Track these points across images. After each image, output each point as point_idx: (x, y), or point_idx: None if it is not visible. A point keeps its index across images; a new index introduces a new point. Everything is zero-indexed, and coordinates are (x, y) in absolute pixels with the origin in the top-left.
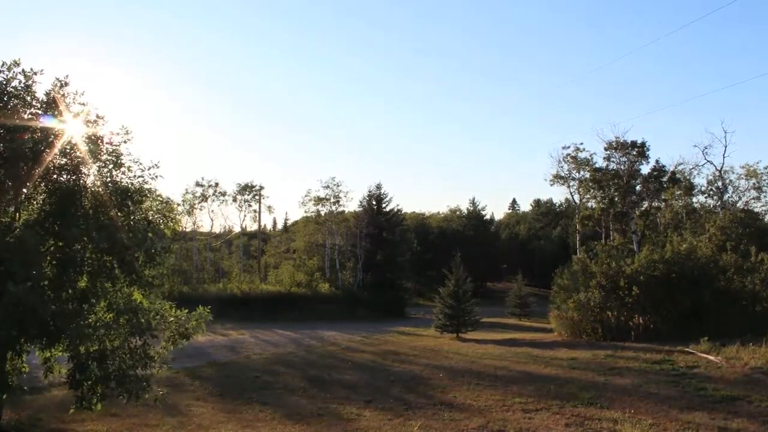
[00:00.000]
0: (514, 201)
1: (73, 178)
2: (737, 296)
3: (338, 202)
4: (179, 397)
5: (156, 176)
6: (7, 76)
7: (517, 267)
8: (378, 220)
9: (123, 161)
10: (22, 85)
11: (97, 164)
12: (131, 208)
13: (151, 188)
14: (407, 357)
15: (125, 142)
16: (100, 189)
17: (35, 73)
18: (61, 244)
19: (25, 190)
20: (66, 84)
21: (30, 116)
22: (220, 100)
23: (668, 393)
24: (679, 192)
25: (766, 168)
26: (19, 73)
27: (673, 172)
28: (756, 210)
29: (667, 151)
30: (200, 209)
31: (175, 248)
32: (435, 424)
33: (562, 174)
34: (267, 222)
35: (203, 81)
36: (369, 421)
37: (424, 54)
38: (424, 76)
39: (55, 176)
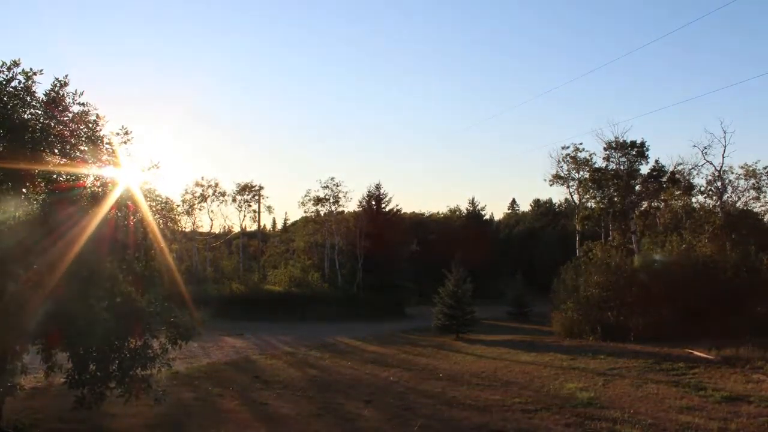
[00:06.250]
0: (513, 201)
1: (73, 178)
2: (737, 296)
3: (338, 202)
4: (179, 396)
5: (156, 176)
6: (7, 76)
7: (516, 267)
8: (377, 219)
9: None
10: (22, 85)
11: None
12: (131, 208)
13: (150, 188)
14: (407, 357)
15: (125, 142)
16: (100, 189)
17: (35, 73)
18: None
19: (24, 190)
20: (66, 84)
21: (30, 116)
22: (219, 99)
23: (668, 393)
24: (678, 192)
25: (765, 168)
26: (19, 73)
27: (673, 173)
28: (755, 210)
29: (666, 151)
30: (200, 209)
31: (175, 248)
32: (435, 424)
33: (562, 174)
34: (267, 222)
35: (203, 81)
36: (369, 420)
37: (424, 53)
38: (424, 76)
39: (54, 176)
